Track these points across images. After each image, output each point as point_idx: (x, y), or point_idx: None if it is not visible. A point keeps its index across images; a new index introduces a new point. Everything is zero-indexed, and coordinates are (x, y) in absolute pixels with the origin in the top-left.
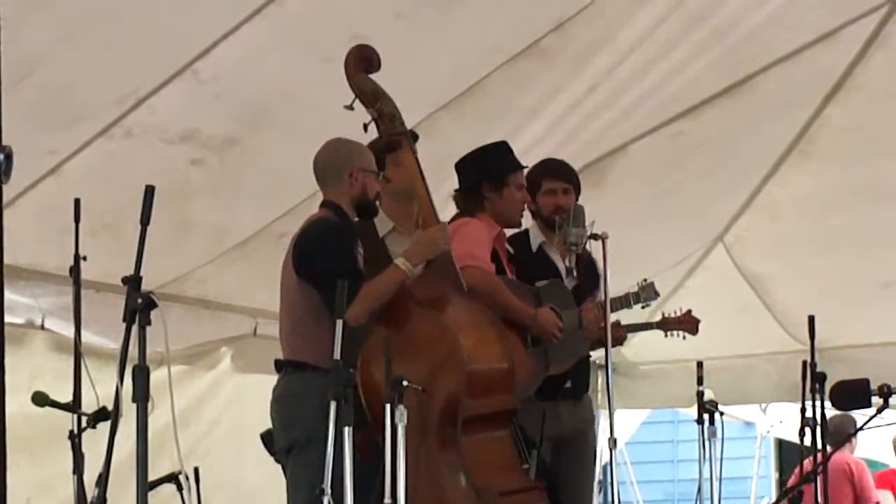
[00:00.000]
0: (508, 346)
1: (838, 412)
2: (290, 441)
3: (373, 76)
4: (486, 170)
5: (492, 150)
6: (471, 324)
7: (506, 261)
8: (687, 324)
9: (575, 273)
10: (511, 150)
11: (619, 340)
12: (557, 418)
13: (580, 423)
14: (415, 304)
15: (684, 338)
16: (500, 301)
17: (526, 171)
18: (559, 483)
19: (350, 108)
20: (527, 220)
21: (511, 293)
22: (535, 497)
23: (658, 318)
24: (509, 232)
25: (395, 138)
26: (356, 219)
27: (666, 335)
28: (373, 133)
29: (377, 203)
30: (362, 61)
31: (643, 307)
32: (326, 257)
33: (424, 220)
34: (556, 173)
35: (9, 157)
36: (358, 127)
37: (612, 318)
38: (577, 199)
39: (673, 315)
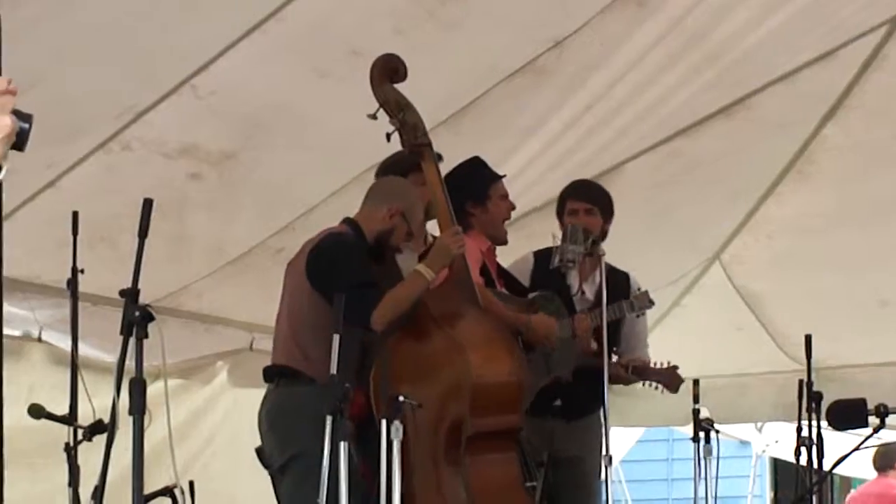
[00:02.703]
0: (519, 361)
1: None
2: (287, 455)
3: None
4: (467, 187)
5: (466, 167)
6: (482, 339)
7: (496, 275)
8: (668, 378)
9: (587, 292)
10: (485, 164)
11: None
12: (547, 438)
13: (575, 447)
14: (429, 318)
15: (662, 392)
16: (489, 312)
17: (513, 183)
18: None
19: (373, 117)
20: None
21: (500, 303)
22: None
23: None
24: (503, 248)
25: (417, 149)
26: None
27: (643, 384)
28: (372, 153)
29: (389, 251)
30: (388, 71)
31: (638, 316)
32: (344, 269)
33: (442, 228)
34: (578, 194)
35: (31, 125)
36: (357, 144)
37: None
38: (606, 221)
39: (656, 365)
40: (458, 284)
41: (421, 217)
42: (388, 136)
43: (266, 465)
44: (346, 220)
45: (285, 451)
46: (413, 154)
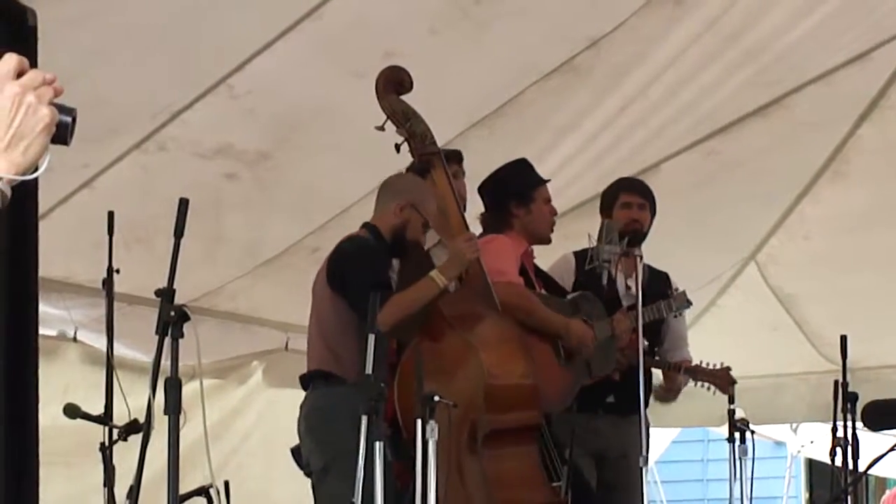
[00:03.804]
0: (532, 363)
1: None
2: (326, 457)
3: (405, 96)
4: (512, 187)
5: (514, 167)
6: (495, 340)
7: (534, 276)
8: (720, 379)
9: (632, 288)
10: (532, 166)
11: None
12: (596, 433)
13: (623, 443)
14: (445, 321)
15: (714, 393)
16: (533, 314)
17: (549, 183)
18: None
19: (381, 128)
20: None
21: (543, 306)
22: None
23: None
24: (541, 250)
25: (426, 157)
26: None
27: (696, 384)
28: (405, 154)
29: (410, 245)
30: (393, 83)
31: (675, 316)
32: (358, 270)
33: (454, 235)
34: (634, 188)
35: (75, 119)
36: (392, 145)
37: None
38: (652, 218)
39: (709, 366)
40: (473, 288)
41: (433, 206)
42: (398, 147)
43: (302, 467)
44: (365, 225)
45: (324, 454)
46: (423, 163)
